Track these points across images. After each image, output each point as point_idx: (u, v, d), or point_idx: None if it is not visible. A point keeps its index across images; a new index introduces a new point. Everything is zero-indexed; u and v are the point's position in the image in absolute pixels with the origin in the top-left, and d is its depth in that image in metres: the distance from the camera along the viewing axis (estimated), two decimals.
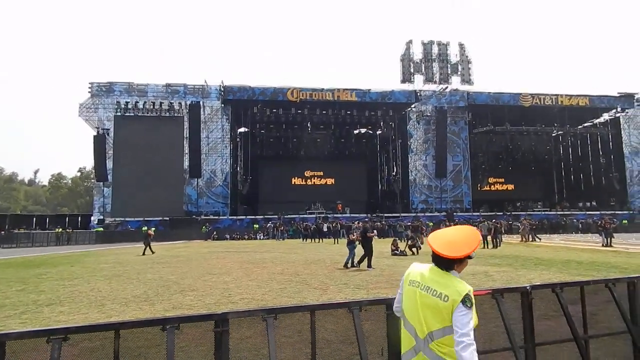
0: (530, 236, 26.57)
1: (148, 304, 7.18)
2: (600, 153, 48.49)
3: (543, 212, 45.10)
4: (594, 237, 26.33)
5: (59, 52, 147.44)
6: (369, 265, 12.16)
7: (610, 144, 47.53)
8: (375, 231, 15.39)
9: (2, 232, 34.68)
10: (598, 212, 41.59)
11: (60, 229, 35.55)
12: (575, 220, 41.44)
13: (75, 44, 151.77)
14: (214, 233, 38.28)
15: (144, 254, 19.47)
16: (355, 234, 13.33)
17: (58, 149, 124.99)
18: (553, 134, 50.88)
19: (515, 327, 2.77)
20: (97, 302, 7.37)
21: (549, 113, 46.00)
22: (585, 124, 49.72)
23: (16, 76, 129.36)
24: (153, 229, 28.61)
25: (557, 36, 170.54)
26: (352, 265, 12.36)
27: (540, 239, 26.62)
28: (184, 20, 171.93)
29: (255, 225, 40.14)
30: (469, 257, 2.08)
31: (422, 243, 20.01)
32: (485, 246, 20.62)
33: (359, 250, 12.79)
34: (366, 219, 38.87)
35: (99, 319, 6.01)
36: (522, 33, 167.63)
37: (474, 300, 1.95)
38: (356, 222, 35.20)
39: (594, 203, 45.72)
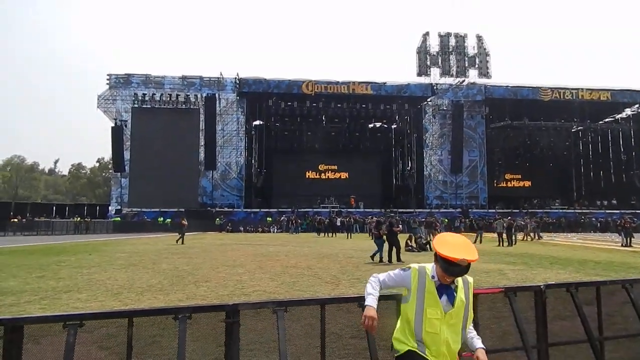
0: (535, 234, 26.20)
1: (163, 293, 7.30)
2: (622, 149, 47.32)
3: (561, 210, 44.36)
4: (613, 237, 25.79)
5: (79, 43, 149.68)
6: (399, 259, 12.61)
7: (632, 140, 46.24)
8: (400, 226, 15.62)
9: (23, 220, 35.60)
10: (618, 211, 40.66)
11: (79, 218, 36.32)
12: (593, 219, 40.64)
13: (95, 35, 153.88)
14: (228, 225, 38.62)
15: (177, 242, 19.98)
16: (382, 229, 13.47)
17: (78, 139, 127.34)
18: (573, 130, 49.80)
19: (528, 327, 2.73)
20: (114, 291, 7.52)
21: (568, 108, 44.98)
22: (607, 119, 48.57)
23: (37, 67, 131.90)
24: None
25: (578, 28, 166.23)
26: (381, 260, 12.64)
27: (542, 237, 26.27)
28: (201, 12, 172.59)
29: (268, 218, 40.36)
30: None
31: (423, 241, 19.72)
32: (501, 244, 20.37)
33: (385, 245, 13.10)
34: (380, 214, 38.84)
35: (115, 306, 6.14)
36: (542, 25, 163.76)
37: (409, 269, 2.27)
38: (370, 217, 35.27)
39: (613, 201, 44.62)
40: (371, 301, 2.24)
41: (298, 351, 2.45)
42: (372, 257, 12.89)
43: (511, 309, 2.65)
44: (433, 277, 2.19)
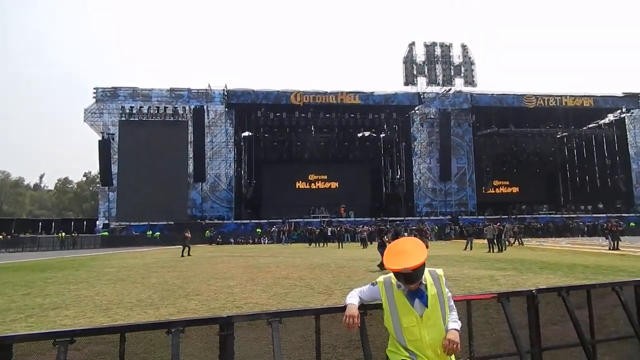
0: (516, 240, 26.05)
1: (153, 308, 7.19)
2: (606, 154, 48.23)
3: (548, 215, 44.85)
4: (601, 240, 26.10)
5: (65, 57, 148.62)
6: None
7: (616, 145, 47.17)
8: (406, 234, 15.67)
9: (9, 237, 34.91)
10: (604, 215, 41.29)
11: (65, 234, 35.72)
12: (581, 223, 41.14)
13: (80, 49, 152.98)
14: (218, 237, 38.29)
15: (182, 255, 20.32)
16: (387, 237, 13.42)
17: (64, 153, 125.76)
18: (558, 136, 50.72)
19: (520, 332, 2.75)
20: (103, 306, 7.39)
21: (553, 114, 45.85)
22: (590, 125, 49.56)
23: (22, 81, 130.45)
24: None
25: (560, 36, 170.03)
26: (384, 268, 12.53)
27: (523, 243, 26.14)
28: (187, 24, 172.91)
29: (258, 230, 40.15)
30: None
31: (427, 247, 19.81)
32: (491, 250, 20.51)
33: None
34: (371, 223, 38.91)
35: (104, 322, 6.03)
36: (525, 33, 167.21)
37: (376, 283, 2.32)
38: (362, 226, 35.29)
39: (600, 205, 45.35)
40: (352, 300, 2.28)
41: None
42: (379, 265, 12.87)
43: (504, 314, 2.66)
44: (399, 286, 2.20)
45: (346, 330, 2.26)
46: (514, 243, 25.53)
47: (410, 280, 2.14)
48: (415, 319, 2.14)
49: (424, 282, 2.20)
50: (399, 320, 2.16)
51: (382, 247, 13.46)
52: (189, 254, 20.56)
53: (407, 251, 2.17)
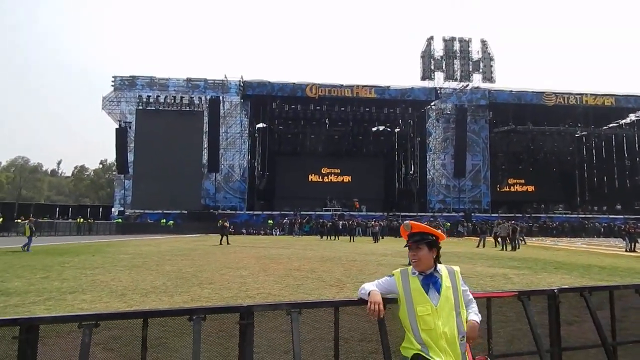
0: (519, 239, 22.56)
1: (167, 295, 7.30)
2: (626, 155, 47.22)
3: (564, 215, 44.15)
4: (617, 242, 25.65)
5: (85, 45, 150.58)
6: None
7: (637, 145, 46.14)
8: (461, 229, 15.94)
9: (27, 221, 35.65)
10: (621, 216, 40.51)
11: (82, 219, 36.40)
12: (597, 224, 40.44)
13: (100, 37, 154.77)
14: (231, 227, 38.49)
15: (220, 243, 21.31)
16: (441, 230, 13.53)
17: (81, 141, 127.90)
18: (577, 135, 49.73)
19: (539, 333, 2.72)
20: (118, 292, 7.52)
21: (572, 113, 44.97)
22: (611, 125, 48.45)
23: (42, 68, 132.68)
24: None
25: (582, 33, 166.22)
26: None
27: (525, 242, 24.18)
28: (206, 15, 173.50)
29: (270, 221, 40.35)
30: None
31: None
32: (504, 248, 20.30)
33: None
34: (383, 217, 38.82)
35: (120, 307, 6.14)
36: (546, 29, 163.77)
37: (393, 275, 2.36)
38: (373, 221, 35.23)
39: (617, 206, 44.45)
40: (374, 287, 2.33)
41: (310, 353, 2.44)
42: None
43: (525, 312, 2.63)
44: (414, 272, 2.29)
45: (370, 318, 2.28)
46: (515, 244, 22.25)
47: (415, 239, 2.30)
48: (430, 307, 2.16)
49: (439, 272, 2.27)
50: (413, 308, 2.19)
51: None
52: (227, 242, 21.48)
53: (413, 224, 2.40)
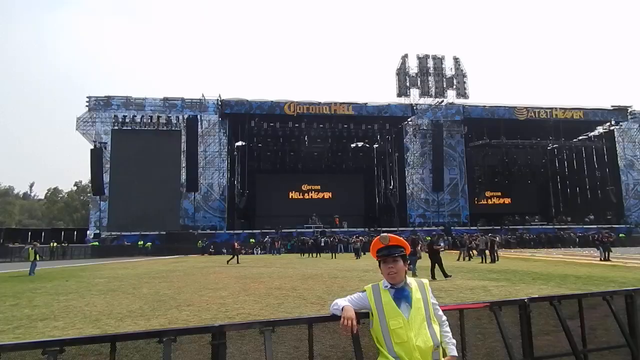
0: (494, 254, 20.79)
1: (144, 319, 7.10)
2: (596, 166, 48.84)
3: (540, 226, 45.11)
4: (592, 251, 26.28)
5: (58, 65, 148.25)
6: (445, 275, 12.95)
7: (605, 157, 47.84)
8: (442, 244, 16.69)
9: None
10: (595, 226, 41.62)
11: (55, 243, 35.19)
12: (572, 234, 41.42)
13: (74, 58, 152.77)
14: (211, 247, 37.95)
15: (227, 262, 22.70)
16: (420, 245, 14.21)
17: (54, 162, 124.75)
18: (548, 147, 51.26)
19: (513, 343, 2.75)
20: (92, 317, 7.28)
21: (543, 126, 46.44)
22: (580, 137, 50.15)
23: (13, 89, 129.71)
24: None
25: (551, 49, 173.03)
26: (414, 275, 13.07)
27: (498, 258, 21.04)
28: (182, 35, 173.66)
29: (251, 240, 39.91)
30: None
31: (419, 257, 19.87)
32: (484, 260, 20.53)
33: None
34: (364, 233, 38.88)
35: (94, 333, 5.93)
36: (516, 46, 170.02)
37: (364, 291, 2.35)
38: (355, 237, 35.24)
39: (591, 216, 45.73)
40: (346, 303, 2.32)
41: None
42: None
43: (497, 323, 2.67)
44: (385, 286, 2.30)
45: (344, 334, 2.26)
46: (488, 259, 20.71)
47: (392, 252, 2.31)
48: (402, 320, 2.17)
49: (409, 285, 2.29)
50: (386, 322, 2.19)
51: (412, 256, 14.19)
52: (237, 262, 22.93)
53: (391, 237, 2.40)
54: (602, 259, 19.89)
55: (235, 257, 23.75)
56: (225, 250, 37.82)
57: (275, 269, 18.05)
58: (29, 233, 44.14)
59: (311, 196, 50.57)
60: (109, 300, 9.38)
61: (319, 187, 50.80)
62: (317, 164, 49.93)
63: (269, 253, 36.12)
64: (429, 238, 17.33)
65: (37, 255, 17.91)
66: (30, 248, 19.11)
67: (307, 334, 2.39)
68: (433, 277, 12.84)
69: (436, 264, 13.35)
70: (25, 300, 9.42)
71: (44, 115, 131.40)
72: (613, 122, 47.00)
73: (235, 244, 26.53)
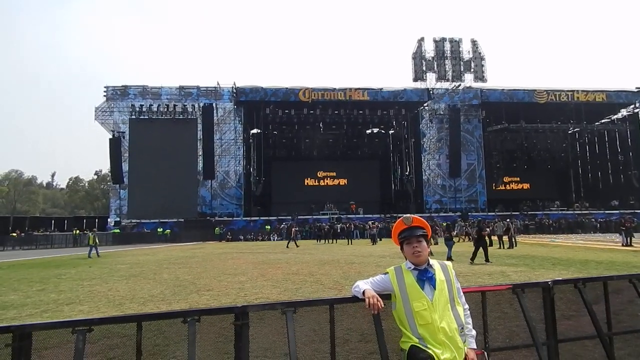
0: (511, 239, 20.59)
1: (165, 303, 7.26)
2: (619, 150, 47.45)
3: (560, 212, 44.31)
4: (614, 237, 25.77)
5: (76, 56, 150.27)
6: (487, 260, 13.25)
7: (629, 140, 46.43)
8: (488, 229, 17.24)
9: (22, 234, 35.46)
10: (617, 211, 40.70)
11: (78, 231, 36.18)
12: (593, 220, 40.60)
13: (91, 47, 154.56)
14: (228, 234, 38.49)
15: (287, 246, 24.05)
16: (455, 231, 14.89)
17: (75, 152, 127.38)
18: (569, 131, 49.99)
19: (535, 325, 2.72)
20: (116, 302, 7.48)
21: (564, 110, 45.24)
22: (603, 121, 48.74)
23: (34, 81, 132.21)
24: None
25: (572, 30, 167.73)
26: (449, 259, 13.43)
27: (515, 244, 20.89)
28: (197, 23, 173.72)
29: (267, 227, 40.25)
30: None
31: (436, 243, 19.86)
32: (502, 246, 20.32)
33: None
34: (380, 219, 38.84)
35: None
36: (536, 27, 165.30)
37: (387, 273, 2.36)
38: (371, 223, 35.22)
39: (613, 202, 44.66)
40: (368, 286, 2.34)
41: (306, 355, 2.43)
42: (449, 258, 13.77)
43: (520, 305, 2.64)
44: (409, 267, 2.31)
45: (373, 311, 2.26)
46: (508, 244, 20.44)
47: (414, 233, 2.33)
48: (425, 302, 2.17)
49: (432, 267, 2.29)
50: (410, 304, 2.19)
51: (449, 241, 15.18)
52: (296, 245, 24.38)
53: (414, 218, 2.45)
54: (624, 244, 19.51)
55: (294, 241, 25.04)
56: (242, 237, 38.37)
57: (292, 255, 18.21)
58: (53, 221, 45.41)
59: (327, 183, 50.60)
60: (131, 285, 9.61)
61: (334, 173, 50.75)
62: (332, 151, 49.81)
63: (286, 239, 36.36)
64: (477, 223, 17.54)
65: (97, 239, 20.36)
66: (90, 234, 21.18)
67: (327, 316, 2.41)
68: (472, 260, 13.24)
69: (480, 248, 13.67)
70: (52, 286, 9.72)
71: (63, 108, 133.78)
72: (637, 105, 45.47)
73: (293, 230, 27.57)
